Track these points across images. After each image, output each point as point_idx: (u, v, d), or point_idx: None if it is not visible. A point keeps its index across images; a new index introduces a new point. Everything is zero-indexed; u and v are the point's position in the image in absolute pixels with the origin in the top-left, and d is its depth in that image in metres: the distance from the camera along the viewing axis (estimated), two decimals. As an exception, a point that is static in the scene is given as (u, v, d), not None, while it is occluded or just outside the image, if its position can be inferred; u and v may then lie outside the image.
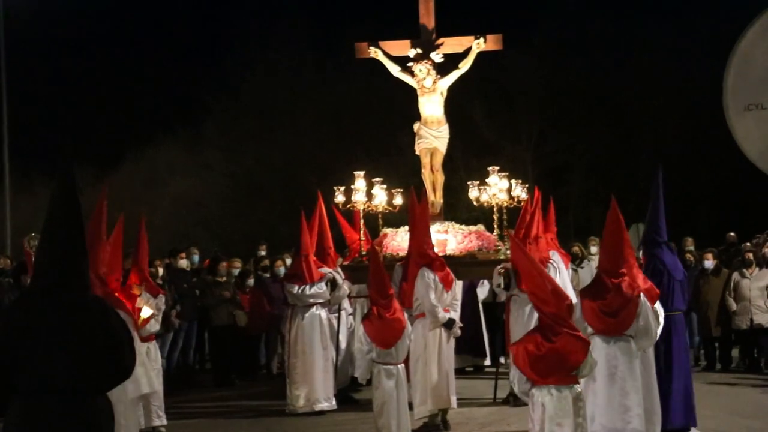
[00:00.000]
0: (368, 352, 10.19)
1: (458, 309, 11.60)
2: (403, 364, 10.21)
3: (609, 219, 9.02)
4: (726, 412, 11.40)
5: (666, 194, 10.42)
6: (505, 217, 13.30)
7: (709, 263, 15.57)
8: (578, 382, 7.53)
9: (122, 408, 9.00)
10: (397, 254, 13.03)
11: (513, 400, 12.09)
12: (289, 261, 15.73)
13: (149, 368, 10.26)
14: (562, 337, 7.32)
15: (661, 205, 10.23)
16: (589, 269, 15.21)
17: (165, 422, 10.86)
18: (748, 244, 17.23)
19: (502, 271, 12.17)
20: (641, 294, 8.70)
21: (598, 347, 8.49)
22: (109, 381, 5.36)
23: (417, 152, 14.12)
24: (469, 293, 15.15)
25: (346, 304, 13.52)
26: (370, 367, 10.28)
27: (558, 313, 7.40)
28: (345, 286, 12.90)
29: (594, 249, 16.38)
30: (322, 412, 12.17)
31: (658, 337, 9.29)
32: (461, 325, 11.43)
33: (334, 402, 12.41)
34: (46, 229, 5.39)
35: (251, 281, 16.14)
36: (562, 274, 12.34)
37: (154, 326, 10.51)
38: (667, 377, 9.93)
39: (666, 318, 9.77)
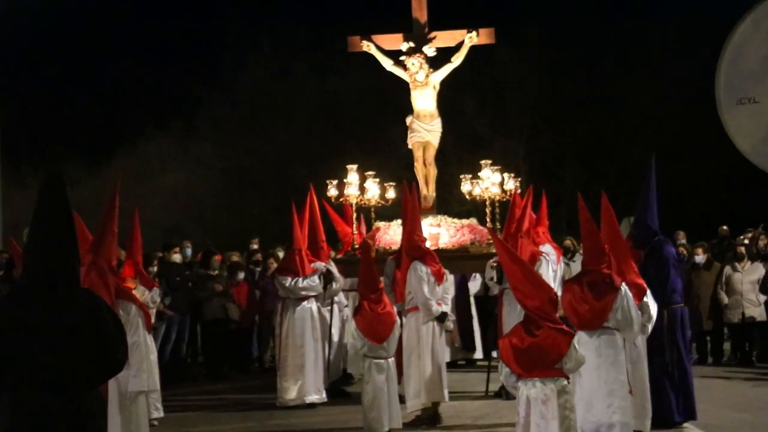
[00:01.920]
0: (361, 348, 10.21)
1: (449, 302, 11.60)
2: (393, 358, 10.23)
3: (581, 219, 8.95)
4: (718, 405, 11.42)
5: (658, 187, 10.41)
6: (497, 210, 13.31)
7: (700, 258, 15.61)
8: (565, 376, 7.53)
9: (128, 403, 8.99)
10: (390, 248, 13.03)
11: (505, 393, 12.09)
12: (281, 254, 15.73)
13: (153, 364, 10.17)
14: (543, 331, 7.34)
15: (654, 197, 10.24)
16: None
17: (162, 414, 10.86)
18: (741, 237, 17.30)
19: (495, 264, 12.19)
20: (621, 287, 8.65)
21: (583, 341, 8.49)
22: (100, 375, 5.34)
23: (410, 146, 14.13)
24: (461, 287, 15.18)
25: (340, 296, 13.52)
26: (362, 361, 10.30)
27: (541, 306, 7.40)
28: (340, 282, 12.89)
29: None
30: (313, 405, 12.17)
31: (649, 332, 9.30)
32: (453, 318, 11.43)
33: (324, 395, 12.41)
34: (35, 223, 5.37)
35: (242, 275, 16.13)
36: (554, 267, 12.35)
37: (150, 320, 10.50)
38: (681, 371, 10.00)
39: (672, 311, 9.82)
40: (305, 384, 12.29)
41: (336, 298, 13.30)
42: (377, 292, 10.10)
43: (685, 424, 10.09)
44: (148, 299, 10.38)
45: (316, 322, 12.58)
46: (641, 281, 9.20)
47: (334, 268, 12.82)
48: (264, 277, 15.95)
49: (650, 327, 9.18)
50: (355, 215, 13.80)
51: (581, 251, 15.72)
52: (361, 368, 10.51)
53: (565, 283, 9.02)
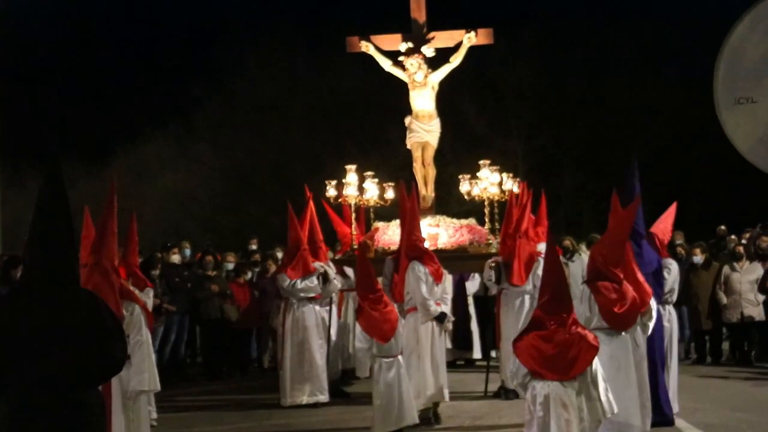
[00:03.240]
0: (369, 349, 10.19)
1: (449, 303, 11.59)
2: (402, 355, 10.19)
3: (625, 215, 8.92)
4: (717, 405, 11.42)
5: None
6: (496, 210, 13.31)
7: (698, 258, 15.61)
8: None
9: (129, 402, 8.96)
10: (389, 248, 13.03)
11: (504, 393, 12.11)
12: (279, 255, 15.73)
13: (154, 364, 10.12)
14: (574, 341, 7.25)
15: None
16: (580, 263, 15.17)
17: (155, 416, 10.85)
18: (734, 237, 17.30)
19: (493, 264, 12.19)
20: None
21: (603, 342, 8.44)
22: (100, 374, 5.35)
23: (408, 146, 14.14)
24: (459, 287, 15.17)
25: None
26: (371, 362, 10.26)
27: (574, 317, 7.37)
28: (336, 282, 12.88)
29: None
30: (314, 405, 12.17)
31: (649, 331, 9.31)
32: (452, 318, 11.41)
33: (327, 395, 12.40)
34: (35, 224, 5.38)
35: (249, 275, 16.13)
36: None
37: None
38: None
39: None
40: (313, 384, 12.30)
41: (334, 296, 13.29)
42: (376, 292, 10.08)
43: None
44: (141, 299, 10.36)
45: (317, 322, 12.59)
46: (644, 281, 9.19)
47: (330, 269, 12.82)
48: (263, 277, 15.96)
49: (651, 326, 9.18)
50: (354, 215, 13.80)
51: (581, 251, 15.84)
52: (369, 369, 10.47)
53: (595, 283, 8.81)
